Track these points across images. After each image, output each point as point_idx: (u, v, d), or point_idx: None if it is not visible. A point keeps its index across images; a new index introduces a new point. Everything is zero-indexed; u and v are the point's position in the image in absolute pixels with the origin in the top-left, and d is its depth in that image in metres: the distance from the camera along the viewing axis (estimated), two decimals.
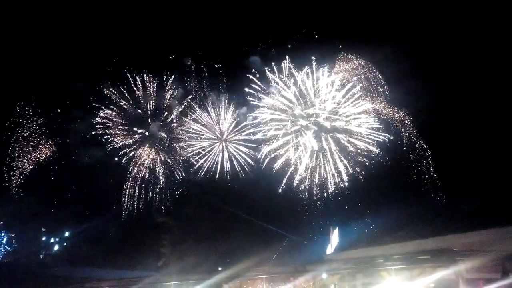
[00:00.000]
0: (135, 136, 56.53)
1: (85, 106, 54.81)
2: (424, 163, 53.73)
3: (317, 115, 54.16)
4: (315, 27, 56.66)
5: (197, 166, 57.14)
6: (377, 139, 53.28)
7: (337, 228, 49.85)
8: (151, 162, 56.98)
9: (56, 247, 57.67)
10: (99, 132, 54.90)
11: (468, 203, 44.53)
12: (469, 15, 47.06)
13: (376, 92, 55.37)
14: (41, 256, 56.29)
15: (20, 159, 52.69)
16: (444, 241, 26.16)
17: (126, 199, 55.95)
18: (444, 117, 50.34)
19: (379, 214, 47.96)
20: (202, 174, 57.14)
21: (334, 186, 53.76)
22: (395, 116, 54.75)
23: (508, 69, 44.21)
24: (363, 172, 53.03)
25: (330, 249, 49.49)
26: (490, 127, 46.23)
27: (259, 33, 57.59)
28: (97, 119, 54.84)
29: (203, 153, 57.43)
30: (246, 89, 56.43)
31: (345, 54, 56.20)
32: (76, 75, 53.64)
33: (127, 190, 55.97)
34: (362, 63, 56.02)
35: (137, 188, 56.26)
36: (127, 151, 55.85)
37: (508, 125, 44.40)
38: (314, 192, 54.51)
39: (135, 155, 56.34)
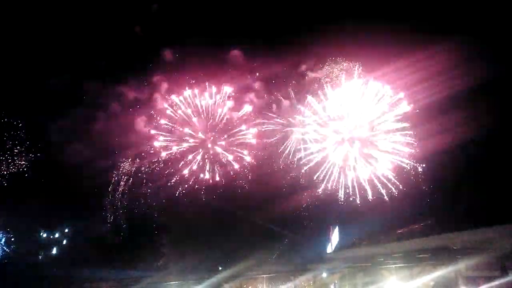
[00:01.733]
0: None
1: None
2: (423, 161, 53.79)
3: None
4: None
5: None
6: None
7: (337, 227, 49.84)
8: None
9: (55, 248, 57.48)
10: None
11: (467, 201, 44.64)
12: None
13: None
14: (40, 257, 56.04)
15: (18, 159, 52.50)
16: (443, 240, 26.42)
17: (125, 199, 55.86)
18: (443, 114, 50.44)
19: (379, 212, 47.98)
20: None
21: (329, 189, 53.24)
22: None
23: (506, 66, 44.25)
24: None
25: (330, 248, 49.54)
26: (489, 124, 46.29)
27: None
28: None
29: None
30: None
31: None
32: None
33: (125, 190, 55.79)
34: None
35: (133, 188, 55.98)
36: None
37: (507, 122, 44.44)
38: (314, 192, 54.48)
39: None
